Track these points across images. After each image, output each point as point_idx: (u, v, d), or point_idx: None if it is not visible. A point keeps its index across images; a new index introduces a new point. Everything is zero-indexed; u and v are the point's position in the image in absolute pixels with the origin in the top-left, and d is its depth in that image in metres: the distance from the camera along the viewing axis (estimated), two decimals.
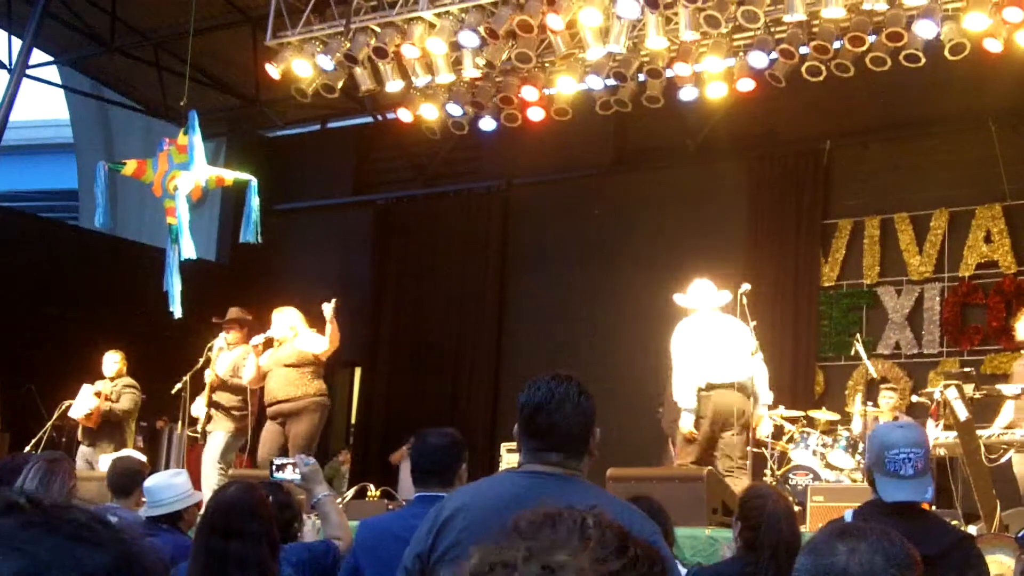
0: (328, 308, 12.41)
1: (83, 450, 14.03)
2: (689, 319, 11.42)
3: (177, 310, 13.55)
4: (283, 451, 11.76)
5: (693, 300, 11.41)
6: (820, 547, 2.95)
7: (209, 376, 13.15)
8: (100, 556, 1.50)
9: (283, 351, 12.66)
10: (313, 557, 6.13)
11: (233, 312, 13.59)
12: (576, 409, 4.11)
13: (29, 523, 1.50)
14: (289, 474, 6.93)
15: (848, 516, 5.06)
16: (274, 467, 7.01)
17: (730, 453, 10.90)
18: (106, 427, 14.06)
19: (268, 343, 12.77)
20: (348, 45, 14.37)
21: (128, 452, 12.16)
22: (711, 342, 11.15)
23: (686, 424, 11.03)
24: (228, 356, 13.33)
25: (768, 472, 12.82)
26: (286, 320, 12.80)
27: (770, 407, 12.32)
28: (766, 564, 5.57)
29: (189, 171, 13.43)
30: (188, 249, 13.42)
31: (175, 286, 13.52)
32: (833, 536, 2.98)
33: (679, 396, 11.15)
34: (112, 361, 14.41)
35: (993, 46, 12.46)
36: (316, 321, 12.85)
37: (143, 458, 11.19)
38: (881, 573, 2.84)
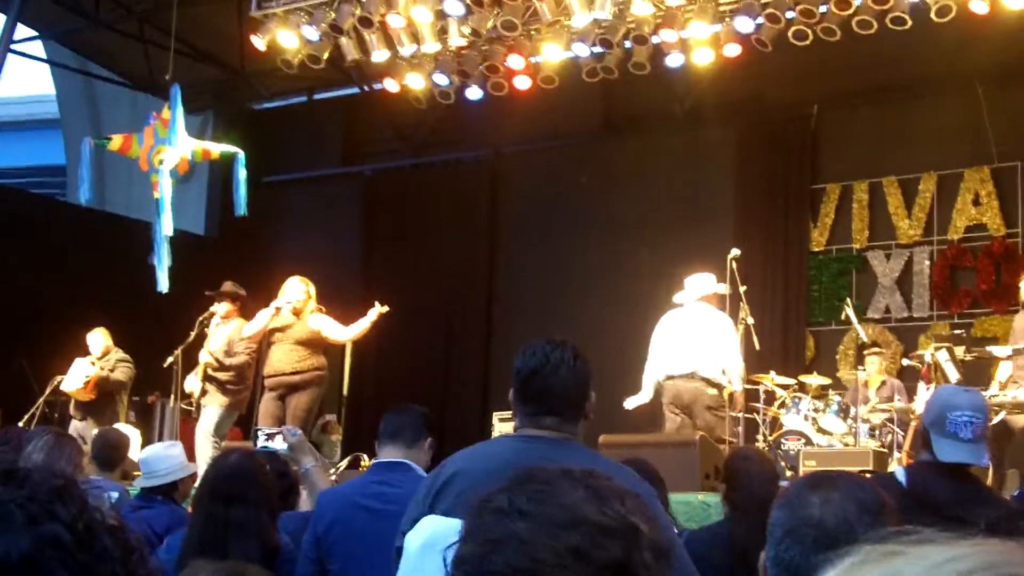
0: (375, 312, 12.57)
1: (76, 424, 14.02)
2: (669, 313, 12.07)
3: (163, 284, 13.53)
4: (281, 424, 11.76)
5: (679, 296, 12.04)
6: (793, 500, 2.97)
7: (204, 357, 13.12)
8: (16, 541, 1.47)
9: (295, 328, 12.67)
10: (306, 526, 6.14)
11: (227, 285, 13.54)
12: (571, 373, 4.15)
13: None
14: (276, 444, 6.94)
15: (900, 473, 5.10)
16: (263, 436, 7.01)
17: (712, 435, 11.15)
18: (99, 401, 14.07)
19: (295, 312, 12.74)
20: (333, 15, 14.32)
21: (117, 426, 12.16)
22: (674, 335, 11.77)
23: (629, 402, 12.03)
24: (223, 331, 13.29)
25: (760, 438, 12.87)
26: (302, 293, 12.80)
27: (753, 377, 12.75)
28: (739, 520, 5.64)
29: (172, 146, 13.41)
30: (168, 225, 13.40)
31: (162, 260, 13.50)
32: (805, 488, 3.00)
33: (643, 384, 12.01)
34: (96, 340, 14.40)
35: (979, 7, 12.45)
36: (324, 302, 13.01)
37: (134, 431, 11.22)
38: (855, 521, 2.85)
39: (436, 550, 3.69)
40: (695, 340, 11.56)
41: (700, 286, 11.85)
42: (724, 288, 11.96)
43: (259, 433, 7.05)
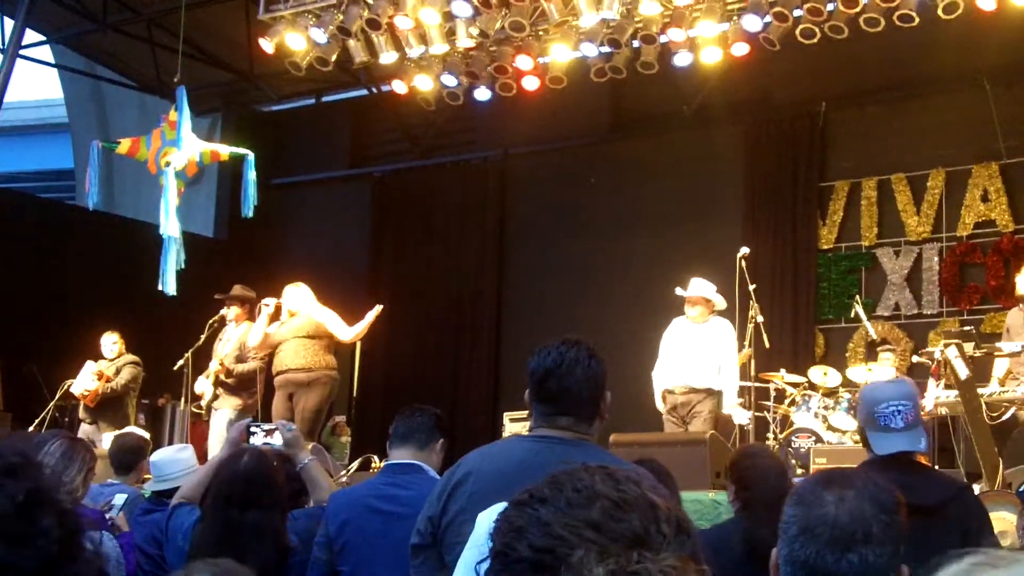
0: (373, 313, 12.66)
1: (85, 428, 14.03)
2: (676, 321, 12.35)
3: (170, 287, 13.52)
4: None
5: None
6: (808, 497, 2.93)
7: (215, 366, 13.16)
8: (14, 486, 1.53)
9: (299, 321, 12.70)
10: (313, 525, 6.12)
11: (236, 289, 13.57)
12: (586, 373, 4.15)
13: None
14: (274, 440, 6.91)
15: None
16: (261, 434, 6.97)
17: None
18: (107, 405, 14.08)
19: (278, 310, 12.80)
20: (341, 17, 14.34)
21: (131, 429, 12.17)
22: (678, 348, 12.16)
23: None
24: (234, 334, 13.32)
25: (771, 436, 12.87)
26: (300, 297, 12.86)
27: (763, 375, 12.84)
28: (761, 517, 5.61)
29: (179, 148, 13.42)
30: (172, 227, 13.39)
31: (169, 263, 13.49)
32: (819, 485, 2.96)
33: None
34: (110, 343, 14.43)
35: (986, 4, 12.45)
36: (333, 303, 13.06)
37: (146, 435, 11.24)
38: (871, 519, 2.83)
39: None
40: (693, 356, 12.16)
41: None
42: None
43: (256, 430, 7.00)
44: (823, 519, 2.85)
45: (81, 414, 14.32)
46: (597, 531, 1.63)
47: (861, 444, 5.40)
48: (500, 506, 2.60)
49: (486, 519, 3.65)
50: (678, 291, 12.28)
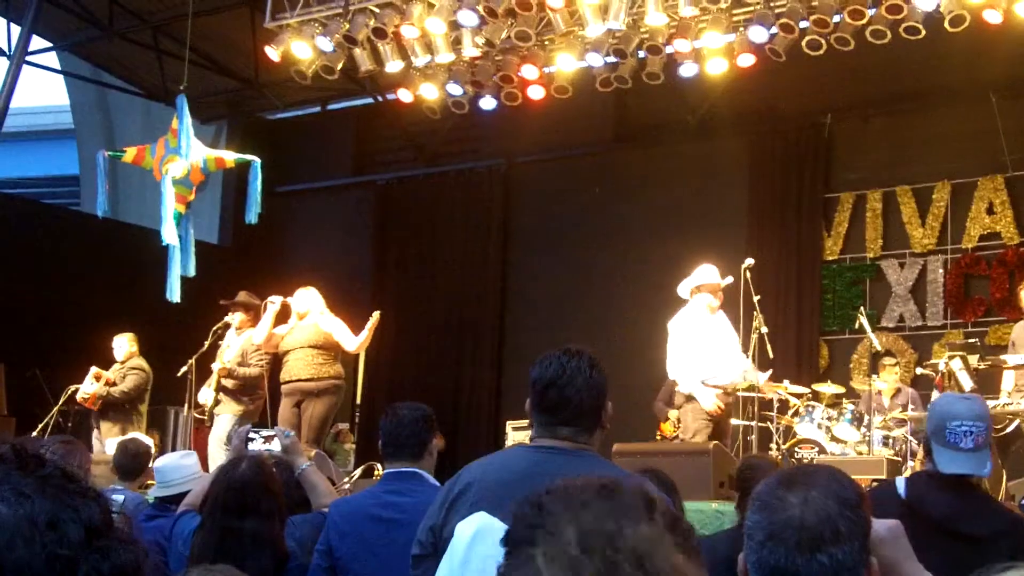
0: (373, 319, 12.58)
1: (96, 433, 14.06)
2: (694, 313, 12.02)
3: (174, 294, 13.49)
4: (297, 431, 11.78)
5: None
6: (771, 502, 2.86)
7: (217, 367, 13.17)
8: (92, 507, 1.54)
9: (307, 332, 12.71)
10: (313, 531, 6.13)
11: (241, 296, 13.59)
12: (588, 383, 4.14)
13: (21, 471, 1.54)
14: (273, 446, 6.92)
15: (900, 484, 5.03)
16: (260, 440, 6.97)
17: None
18: (109, 410, 14.06)
19: (284, 308, 12.83)
20: (347, 26, 14.35)
21: (135, 435, 12.17)
22: (722, 343, 11.91)
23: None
24: (236, 341, 13.33)
25: (774, 446, 12.85)
26: (309, 299, 12.88)
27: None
28: None
29: (183, 156, 13.42)
30: (170, 235, 13.37)
31: (173, 271, 13.47)
32: (781, 487, 2.89)
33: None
34: (120, 345, 14.40)
35: (993, 17, 12.44)
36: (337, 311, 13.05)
37: (150, 441, 11.24)
38: (837, 518, 2.78)
39: (487, 539, 3.68)
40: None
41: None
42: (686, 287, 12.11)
43: (255, 437, 7.01)
44: (789, 522, 2.80)
45: (93, 420, 14.34)
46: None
47: (923, 450, 5.32)
48: (477, 515, 2.59)
49: (464, 530, 3.65)
50: (723, 281, 12.06)
